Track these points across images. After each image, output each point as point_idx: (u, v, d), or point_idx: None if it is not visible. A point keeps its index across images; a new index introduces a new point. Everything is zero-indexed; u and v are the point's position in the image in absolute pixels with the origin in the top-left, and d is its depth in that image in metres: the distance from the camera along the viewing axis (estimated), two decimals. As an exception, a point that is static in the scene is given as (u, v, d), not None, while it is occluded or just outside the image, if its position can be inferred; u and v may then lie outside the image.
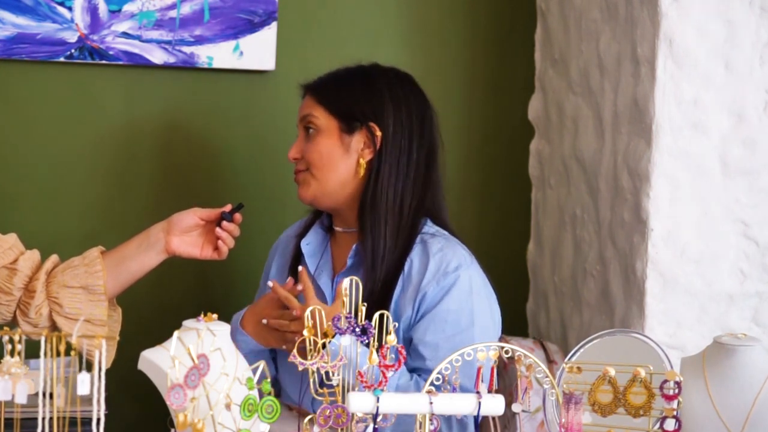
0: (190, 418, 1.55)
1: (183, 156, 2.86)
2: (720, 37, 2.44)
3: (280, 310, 2.22)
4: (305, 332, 1.81)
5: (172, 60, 2.77)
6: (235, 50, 2.80)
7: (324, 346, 1.81)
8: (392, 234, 2.27)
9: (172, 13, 2.76)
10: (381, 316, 1.82)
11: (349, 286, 1.87)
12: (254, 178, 2.89)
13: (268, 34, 2.82)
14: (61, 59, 2.71)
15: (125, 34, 2.74)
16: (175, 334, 1.62)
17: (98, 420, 1.53)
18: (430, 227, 2.32)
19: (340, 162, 2.30)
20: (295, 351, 1.82)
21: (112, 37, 2.73)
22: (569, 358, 1.92)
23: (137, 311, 2.44)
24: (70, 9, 2.70)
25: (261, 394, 1.66)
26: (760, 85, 2.46)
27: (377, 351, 1.77)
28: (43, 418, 1.55)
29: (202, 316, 1.72)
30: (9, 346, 1.58)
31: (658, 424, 1.75)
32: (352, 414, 1.75)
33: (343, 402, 1.78)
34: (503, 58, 3.04)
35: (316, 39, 2.91)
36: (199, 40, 2.78)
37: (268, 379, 1.67)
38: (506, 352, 1.76)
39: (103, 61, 2.73)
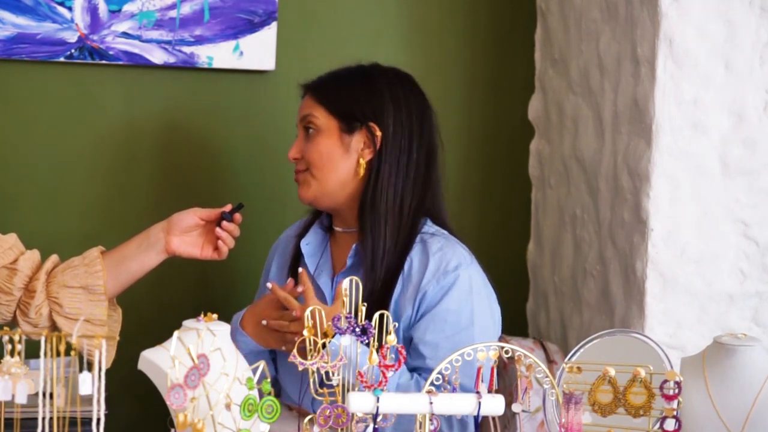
0: (190, 418, 1.55)
1: (183, 156, 2.86)
2: (720, 37, 2.44)
3: (280, 311, 2.22)
4: (305, 332, 1.81)
5: (172, 60, 2.77)
6: (235, 50, 2.80)
7: (324, 346, 1.81)
8: (392, 234, 2.26)
9: (172, 13, 2.76)
10: (381, 316, 1.82)
11: (349, 286, 1.87)
12: (254, 178, 2.89)
13: (268, 34, 2.82)
14: (61, 59, 2.71)
15: (125, 34, 2.73)
16: (175, 334, 1.62)
17: (98, 420, 1.53)
18: (429, 227, 2.32)
19: (340, 162, 2.30)
20: (295, 351, 1.82)
21: (112, 37, 2.73)
22: (569, 358, 1.92)
23: (137, 311, 2.44)
24: (70, 9, 2.70)
25: (261, 394, 1.65)
26: (760, 85, 2.46)
27: (377, 351, 1.77)
28: (43, 418, 1.55)
29: (202, 316, 1.72)
30: (9, 346, 1.58)
31: (658, 424, 1.75)
32: (352, 414, 1.75)
33: (343, 402, 1.78)
34: (503, 58, 3.04)
35: (316, 39, 2.91)
36: (199, 40, 2.78)
37: (268, 379, 1.67)
38: (506, 352, 1.76)
39: (103, 61, 2.73)
